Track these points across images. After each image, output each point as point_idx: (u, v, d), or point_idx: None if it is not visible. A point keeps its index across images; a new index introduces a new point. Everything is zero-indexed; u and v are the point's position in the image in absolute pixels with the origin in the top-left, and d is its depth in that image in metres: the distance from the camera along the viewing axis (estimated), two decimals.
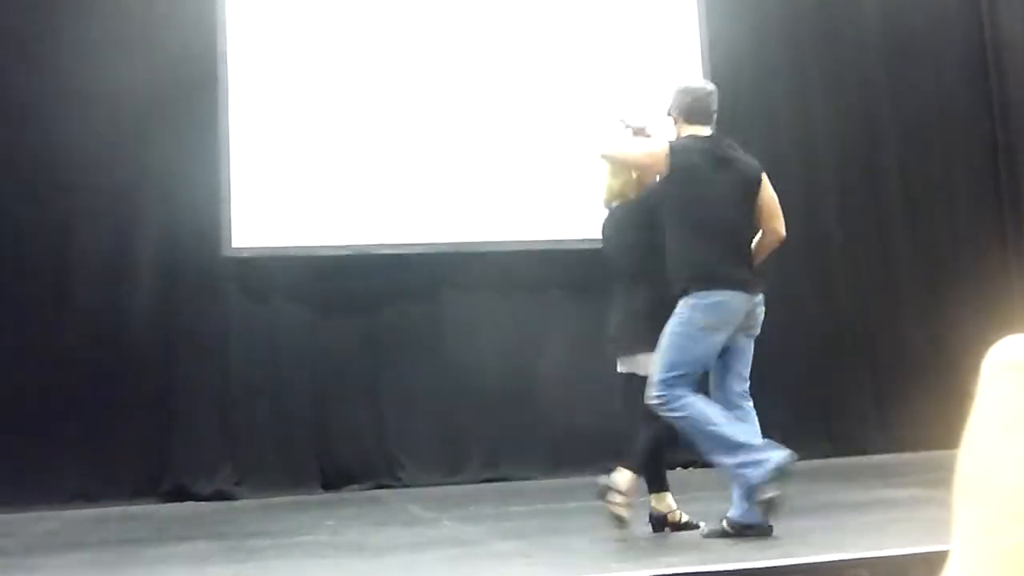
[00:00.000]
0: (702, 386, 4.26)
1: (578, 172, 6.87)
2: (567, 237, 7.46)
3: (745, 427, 3.94)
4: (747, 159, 4.27)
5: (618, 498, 4.09)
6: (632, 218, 4.47)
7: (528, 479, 7.23)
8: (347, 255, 7.25)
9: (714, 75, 7.87)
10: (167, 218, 7.13)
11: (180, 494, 6.83)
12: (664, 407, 3.96)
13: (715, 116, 4.31)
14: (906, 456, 7.38)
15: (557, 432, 7.32)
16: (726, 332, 4.03)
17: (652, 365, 4.03)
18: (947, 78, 8.72)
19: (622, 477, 4.14)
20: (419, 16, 7.58)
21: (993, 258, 8.51)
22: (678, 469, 6.32)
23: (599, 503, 4.16)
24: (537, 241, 7.48)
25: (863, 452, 7.78)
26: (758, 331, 4.17)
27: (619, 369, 4.47)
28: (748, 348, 4.14)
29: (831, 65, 8.45)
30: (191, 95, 7.19)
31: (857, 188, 8.38)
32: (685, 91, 4.28)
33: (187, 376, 7.04)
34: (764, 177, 4.25)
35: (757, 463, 3.77)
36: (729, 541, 3.94)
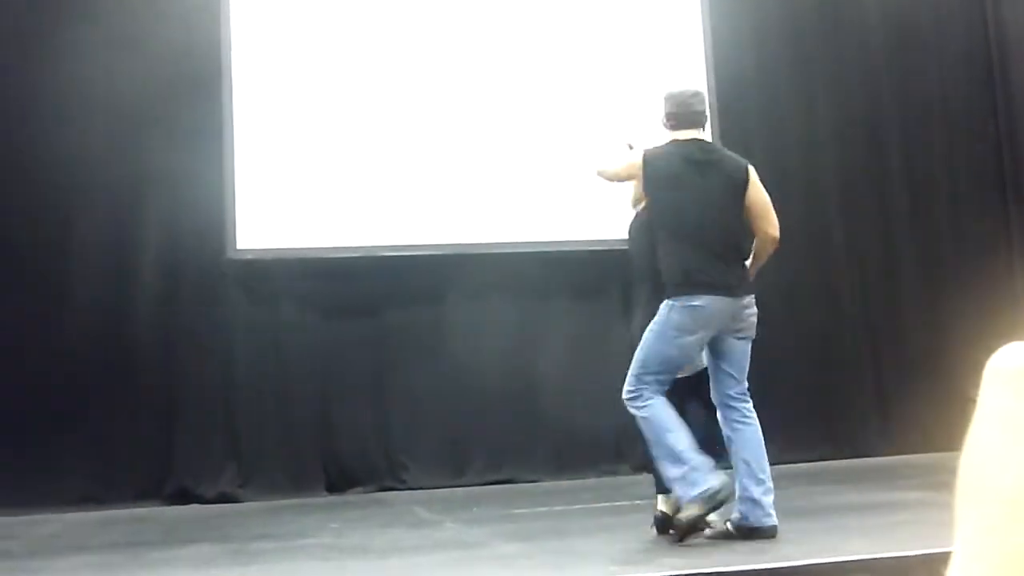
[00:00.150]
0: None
1: (581, 175, 6.87)
2: (571, 239, 7.47)
3: (693, 443, 3.95)
4: (732, 159, 4.26)
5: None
6: None
7: (532, 481, 7.23)
8: (352, 257, 7.25)
9: (717, 76, 7.91)
10: (171, 220, 7.14)
11: (184, 497, 6.84)
12: (630, 403, 4.06)
13: (703, 117, 4.31)
14: (908, 458, 7.38)
15: (561, 434, 7.32)
16: (702, 335, 4.06)
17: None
18: (950, 77, 8.72)
19: (665, 502, 4.24)
20: (425, 16, 7.60)
21: (996, 259, 8.50)
22: None
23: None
24: (541, 243, 7.49)
25: (865, 454, 7.78)
26: (751, 333, 4.17)
27: None
28: (739, 350, 4.14)
29: (833, 65, 8.45)
30: (195, 96, 7.20)
31: (859, 189, 8.38)
32: (668, 98, 4.33)
33: (191, 378, 7.04)
34: (752, 177, 4.21)
35: (692, 483, 3.85)
36: (733, 543, 3.95)
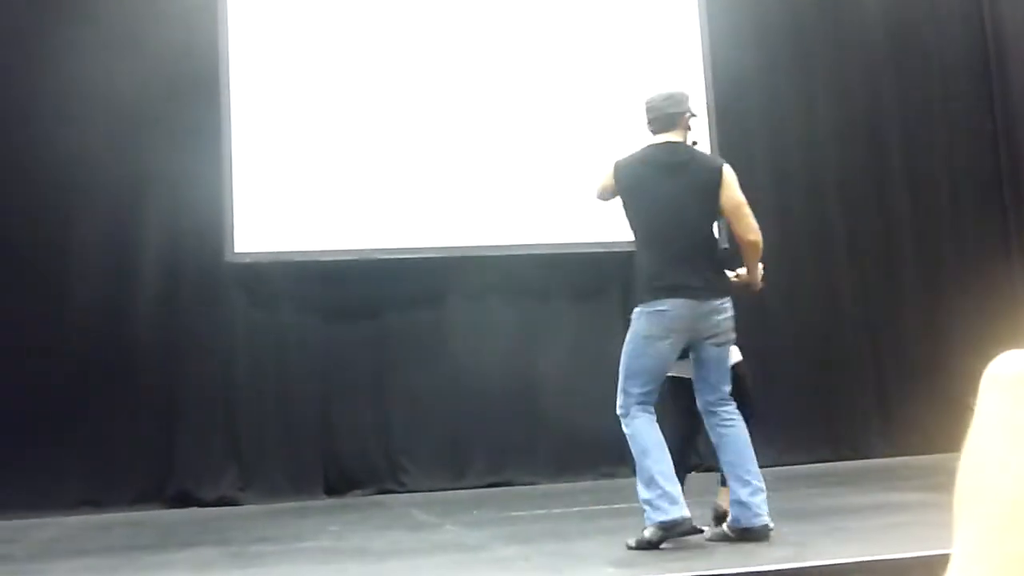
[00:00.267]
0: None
1: (582, 177, 6.87)
2: (570, 241, 7.47)
3: (669, 467, 3.98)
4: (703, 160, 4.23)
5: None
6: None
7: (532, 484, 7.23)
8: (351, 260, 7.25)
9: (716, 77, 7.91)
10: (170, 223, 7.14)
11: (184, 500, 6.83)
12: (621, 418, 4.11)
13: (678, 118, 4.23)
14: (908, 460, 7.38)
15: (561, 437, 7.32)
16: (674, 339, 4.06)
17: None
18: (950, 80, 8.71)
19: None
20: (425, 19, 7.59)
21: (996, 261, 8.50)
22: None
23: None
24: (540, 245, 7.48)
25: (865, 456, 7.78)
26: (725, 339, 4.13)
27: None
28: (714, 357, 4.12)
29: (833, 65, 8.45)
30: (194, 99, 7.19)
31: (859, 189, 8.37)
32: (645, 103, 4.32)
33: (191, 381, 7.04)
34: (726, 178, 4.14)
35: (657, 509, 3.90)
36: (731, 545, 3.95)
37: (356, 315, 7.34)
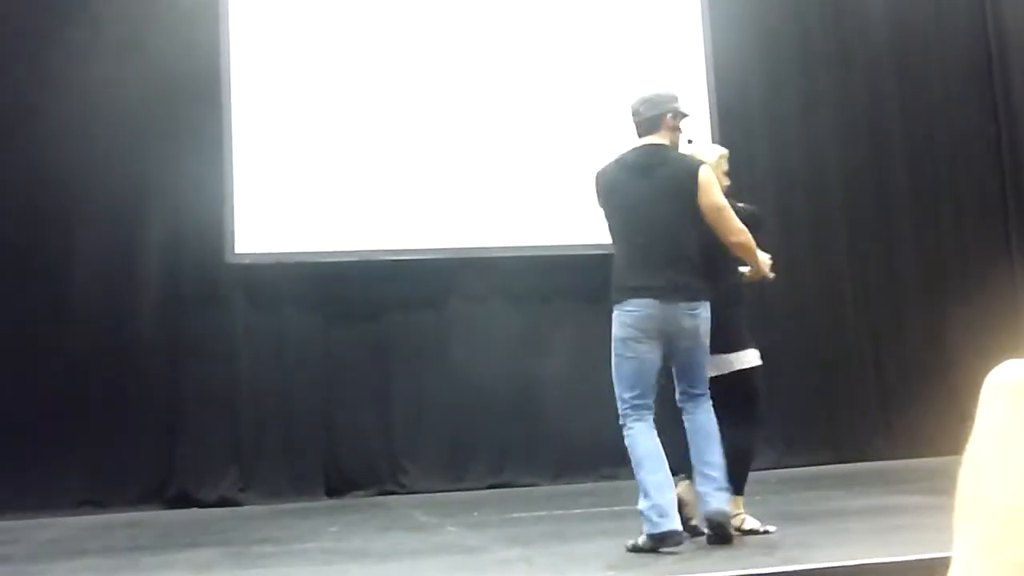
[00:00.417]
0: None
1: (583, 179, 6.86)
2: (573, 243, 7.46)
3: (666, 479, 3.97)
4: (680, 162, 4.18)
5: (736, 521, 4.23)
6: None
7: (532, 486, 7.23)
8: (352, 262, 7.25)
9: (718, 77, 7.91)
10: (170, 224, 7.14)
11: (185, 500, 6.83)
12: (623, 427, 4.08)
13: (659, 120, 4.18)
14: (909, 463, 7.38)
15: (561, 439, 7.32)
16: (652, 342, 4.03)
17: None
18: (954, 87, 8.71)
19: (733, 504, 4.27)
20: (426, 22, 7.60)
21: (998, 262, 8.50)
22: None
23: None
24: (542, 247, 7.48)
25: (866, 458, 7.78)
26: (698, 342, 4.07)
27: None
28: (687, 361, 4.10)
29: (834, 66, 8.45)
30: (195, 101, 7.20)
31: (863, 197, 8.37)
32: (629, 108, 4.32)
33: (191, 382, 7.04)
34: (702, 179, 4.08)
35: (649, 520, 3.90)
36: (732, 547, 3.95)
37: (357, 317, 7.35)
